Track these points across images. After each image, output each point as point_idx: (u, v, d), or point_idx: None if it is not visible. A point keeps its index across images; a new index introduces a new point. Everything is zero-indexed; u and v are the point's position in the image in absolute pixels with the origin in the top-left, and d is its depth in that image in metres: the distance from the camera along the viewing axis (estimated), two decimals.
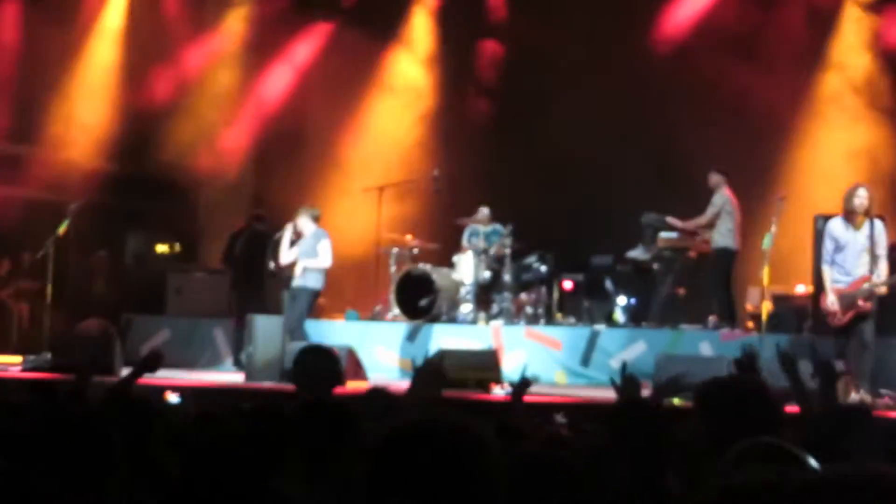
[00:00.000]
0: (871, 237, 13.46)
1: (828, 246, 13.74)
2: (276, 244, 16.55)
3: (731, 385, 5.51)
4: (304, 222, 16.33)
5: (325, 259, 16.22)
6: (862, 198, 13.42)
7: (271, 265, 17.05)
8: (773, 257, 14.96)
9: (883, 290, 13.47)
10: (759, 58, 18.53)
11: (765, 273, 15.05)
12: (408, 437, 3.15)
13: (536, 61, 19.50)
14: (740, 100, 18.17)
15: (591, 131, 18.48)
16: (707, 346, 16.07)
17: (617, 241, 18.21)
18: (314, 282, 16.24)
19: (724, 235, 16.87)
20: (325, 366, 8.30)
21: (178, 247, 21.02)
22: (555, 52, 19.19)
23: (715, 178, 17.07)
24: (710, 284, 17.16)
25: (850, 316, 13.51)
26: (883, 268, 13.50)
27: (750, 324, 16.94)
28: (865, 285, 13.43)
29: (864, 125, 18.24)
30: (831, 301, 13.61)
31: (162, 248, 20.97)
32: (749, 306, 17.40)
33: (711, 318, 16.84)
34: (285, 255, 16.40)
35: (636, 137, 18.76)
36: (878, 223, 13.54)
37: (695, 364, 14.63)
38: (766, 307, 15.54)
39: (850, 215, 13.53)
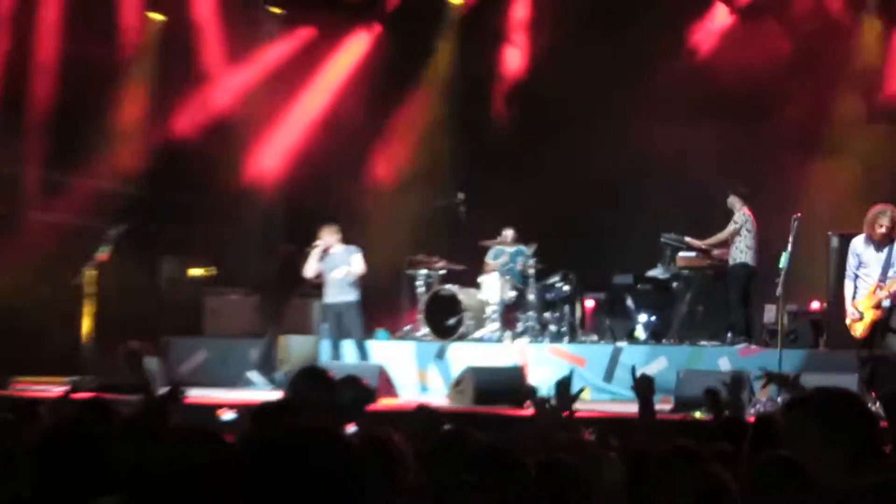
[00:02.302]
0: (890, 255, 13.60)
1: (851, 262, 13.90)
2: (305, 257, 16.77)
3: None
4: (332, 239, 16.54)
5: (359, 266, 16.51)
6: (883, 225, 13.58)
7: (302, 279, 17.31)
8: (789, 274, 15.00)
9: (886, 302, 13.61)
10: (778, 80, 18.69)
11: (781, 289, 15.10)
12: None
13: (559, 86, 19.49)
14: (756, 121, 18.28)
15: (612, 154, 18.61)
16: (726, 361, 16.12)
17: (637, 260, 18.36)
18: (355, 295, 16.46)
19: (742, 252, 16.99)
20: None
21: (212, 270, 21.08)
22: (577, 77, 19.25)
23: (732, 199, 17.21)
24: (727, 301, 17.27)
25: (867, 326, 13.67)
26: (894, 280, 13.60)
27: (767, 339, 16.87)
28: (877, 293, 13.60)
29: (881, 143, 18.34)
30: (850, 313, 13.76)
31: (195, 272, 21.03)
32: (766, 323, 17.36)
33: (729, 334, 16.92)
34: (310, 268, 16.58)
35: (655, 160, 18.74)
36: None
37: (713, 379, 14.70)
38: (783, 323, 15.56)
39: (871, 236, 13.69)
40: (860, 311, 13.69)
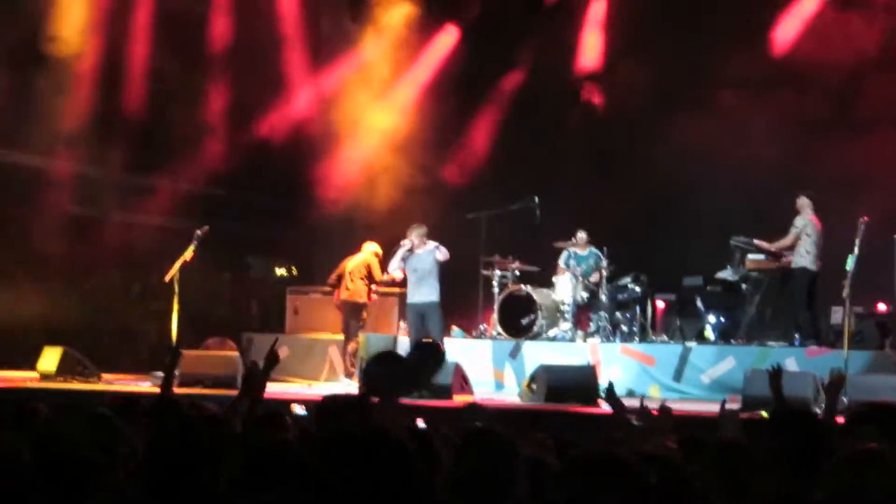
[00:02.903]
0: None
1: None
2: (391, 255, 17.04)
3: None
4: (419, 239, 16.80)
5: (445, 253, 16.86)
6: None
7: (385, 276, 17.55)
8: (856, 276, 15.07)
9: None
10: (857, 79, 18.71)
11: (847, 291, 15.15)
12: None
13: (630, 89, 19.71)
14: (826, 124, 18.33)
15: (682, 157, 18.71)
16: (793, 361, 16.11)
17: (707, 262, 18.41)
18: (437, 296, 16.81)
19: (803, 256, 17.07)
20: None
21: (294, 270, 21.47)
22: (648, 80, 19.45)
23: (801, 201, 17.25)
24: (792, 303, 17.36)
25: None
26: None
27: (833, 341, 16.88)
28: None
29: None
30: None
31: (280, 271, 21.43)
32: (833, 324, 17.38)
33: (797, 335, 16.99)
34: (394, 265, 16.89)
35: (725, 161, 18.86)
36: None
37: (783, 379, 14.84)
38: (850, 325, 15.57)
39: None
40: None
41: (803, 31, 19.70)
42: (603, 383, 15.55)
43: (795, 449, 5.22)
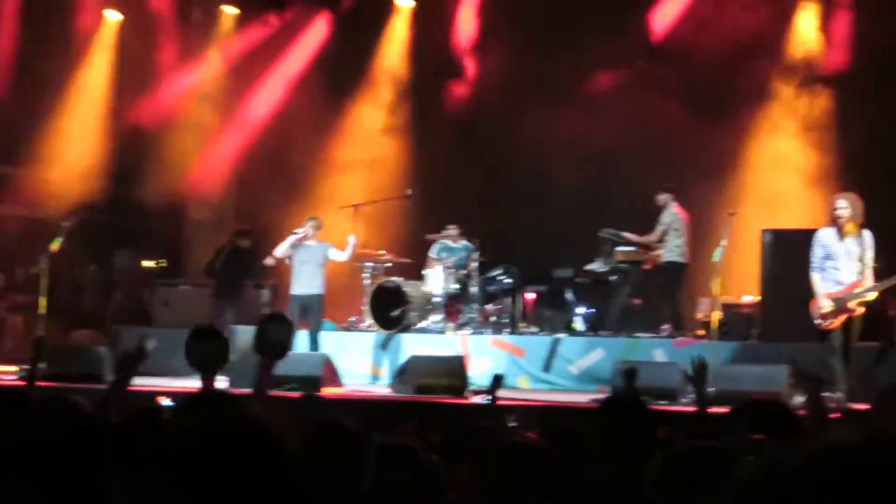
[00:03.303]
0: (860, 246, 13.18)
1: (817, 253, 13.34)
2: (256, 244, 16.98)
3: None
4: (313, 231, 16.76)
5: (342, 255, 17.06)
6: (840, 209, 13.10)
7: (269, 260, 17.39)
8: (722, 269, 15.21)
9: (871, 296, 13.23)
10: (710, 82, 18.80)
11: (715, 284, 15.29)
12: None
13: (503, 85, 19.70)
14: (691, 123, 18.43)
15: (553, 153, 18.82)
16: (660, 352, 16.21)
17: (577, 255, 18.43)
18: (322, 288, 16.88)
19: (671, 251, 17.21)
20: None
21: (163, 262, 21.14)
22: (520, 76, 19.45)
23: (662, 197, 17.42)
24: (660, 296, 17.49)
25: (842, 320, 13.22)
26: (868, 277, 13.22)
27: (701, 332, 17.11)
28: (857, 290, 13.14)
29: (806, 145, 18.57)
30: (822, 305, 13.26)
31: (148, 263, 21.09)
32: (700, 315, 17.56)
33: (665, 327, 17.08)
34: (282, 250, 16.76)
35: (594, 158, 18.99)
36: (867, 234, 13.20)
37: (650, 369, 14.86)
38: (716, 316, 15.74)
39: (835, 225, 13.22)
40: (836, 304, 13.19)
41: (681, 15, 19.74)
42: (471, 375, 15.58)
43: (623, 436, 5.24)
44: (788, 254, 16.14)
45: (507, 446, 4.70)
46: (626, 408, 5.60)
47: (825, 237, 13.33)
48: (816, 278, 13.38)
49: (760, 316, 16.64)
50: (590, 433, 5.49)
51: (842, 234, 13.21)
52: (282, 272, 17.85)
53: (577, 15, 19.38)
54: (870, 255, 13.21)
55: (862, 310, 13.22)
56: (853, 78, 18.29)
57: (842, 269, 13.26)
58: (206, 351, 7.42)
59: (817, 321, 13.43)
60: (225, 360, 7.27)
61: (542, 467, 4.42)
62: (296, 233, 16.87)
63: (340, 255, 17.08)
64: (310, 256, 16.88)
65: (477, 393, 14.70)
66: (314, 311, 16.88)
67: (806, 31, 19.05)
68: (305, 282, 16.89)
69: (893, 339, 15.20)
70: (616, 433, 5.29)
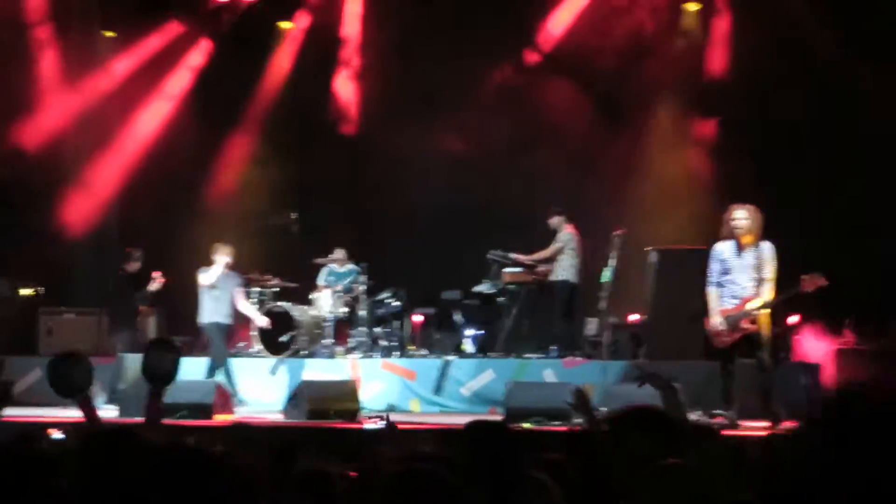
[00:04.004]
0: (758, 259, 12.92)
1: (714, 268, 13.14)
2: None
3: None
4: (223, 258, 16.62)
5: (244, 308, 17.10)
6: (740, 218, 12.92)
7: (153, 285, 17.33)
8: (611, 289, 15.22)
9: (762, 312, 12.96)
10: (594, 104, 18.99)
11: (604, 303, 15.31)
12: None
13: (389, 111, 19.61)
14: (579, 143, 18.53)
15: (438, 174, 18.82)
16: (551, 373, 16.18)
17: (464, 276, 18.48)
18: (228, 319, 16.78)
19: (565, 270, 17.27)
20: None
21: (39, 290, 20.56)
22: (404, 97, 19.39)
23: (555, 220, 17.49)
24: (551, 315, 17.45)
25: (737, 337, 13.01)
26: (766, 290, 12.90)
27: (589, 351, 17.08)
28: (748, 306, 12.89)
29: (688, 162, 18.77)
30: (716, 322, 13.08)
31: (26, 292, 20.50)
32: (588, 335, 17.58)
33: (554, 347, 17.05)
34: (213, 275, 16.67)
35: (479, 181, 19.07)
36: (766, 246, 12.95)
37: (541, 390, 14.90)
38: (606, 335, 15.74)
39: (732, 237, 13.00)
40: (728, 321, 13.00)
41: (572, 26, 19.83)
42: (363, 399, 15.41)
43: (488, 460, 5.25)
44: (674, 272, 16.32)
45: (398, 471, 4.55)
46: (491, 433, 5.63)
47: (722, 251, 13.13)
48: (712, 293, 13.20)
49: (648, 334, 16.68)
50: (458, 458, 5.33)
51: (739, 246, 13.01)
52: (177, 298, 17.55)
53: (466, 30, 19.35)
54: (769, 267, 12.94)
55: (754, 327, 12.97)
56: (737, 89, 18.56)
57: (738, 282, 13.04)
58: (68, 376, 7.13)
59: (714, 340, 13.31)
60: (88, 383, 6.96)
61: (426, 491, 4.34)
62: (224, 260, 16.65)
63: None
64: (224, 285, 16.70)
65: (370, 418, 14.45)
66: (216, 340, 16.77)
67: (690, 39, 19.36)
68: (209, 310, 16.70)
69: (777, 356, 15.22)
70: (484, 459, 5.28)
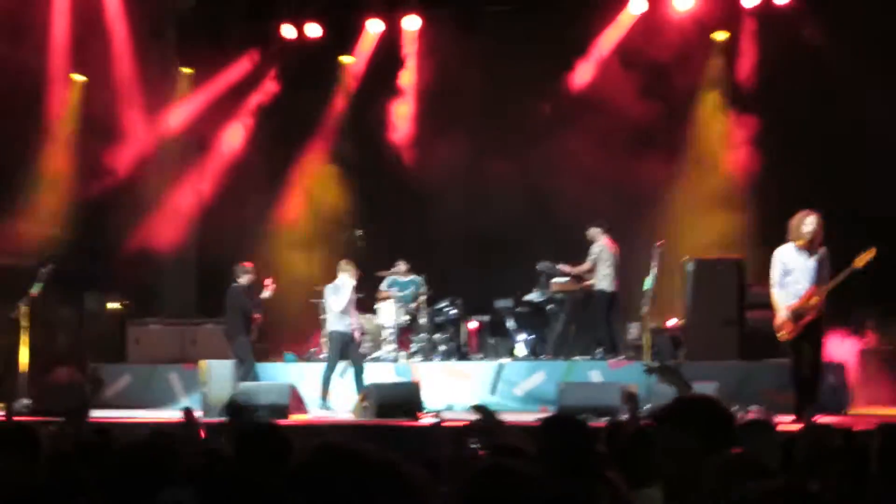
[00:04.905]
0: (819, 262, 13.20)
1: (777, 270, 13.27)
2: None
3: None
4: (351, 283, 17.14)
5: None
6: (810, 224, 13.11)
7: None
8: (652, 295, 15.67)
9: (818, 300, 13.17)
10: (637, 130, 19.37)
11: (646, 309, 15.72)
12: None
13: (443, 133, 20.13)
14: (621, 164, 18.99)
15: (492, 196, 19.46)
16: (597, 374, 16.58)
17: (516, 286, 18.92)
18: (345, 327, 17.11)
19: (601, 280, 17.69)
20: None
21: (127, 304, 21.35)
22: (458, 123, 19.98)
23: (592, 232, 17.90)
24: (594, 321, 17.90)
25: (801, 327, 13.21)
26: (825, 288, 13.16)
27: (632, 354, 17.44)
28: (813, 299, 13.14)
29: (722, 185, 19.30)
30: (782, 317, 13.26)
31: (112, 305, 21.30)
32: (630, 338, 17.99)
33: (599, 350, 17.45)
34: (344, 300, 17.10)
35: (534, 199, 19.52)
36: (824, 251, 13.22)
37: (590, 389, 15.37)
38: (647, 339, 16.16)
39: (798, 241, 13.20)
40: (793, 315, 13.19)
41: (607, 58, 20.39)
42: (425, 399, 16.01)
43: (566, 451, 5.26)
44: (709, 279, 16.78)
45: (484, 466, 4.48)
46: (565, 425, 5.63)
47: (785, 254, 13.34)
48: (775, 294, 13.35)
49: (685, 337, 17.06)
50: (538, 449, 5.44)
51: (803, 250, 13.24)
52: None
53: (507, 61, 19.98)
54: (827, 269, 13.23)
55: (815, 314, 13.18)
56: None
57: (800, 283, 13.24)
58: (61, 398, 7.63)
59: (779, 334, 13.43)
60: (82, 403, 7.45)
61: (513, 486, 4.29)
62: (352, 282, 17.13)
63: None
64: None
65: (427, 415, 15.19)
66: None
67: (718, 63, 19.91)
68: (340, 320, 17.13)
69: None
70: (558, 449, 5.31)
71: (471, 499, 3.82)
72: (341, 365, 17.54)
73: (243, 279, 17.36)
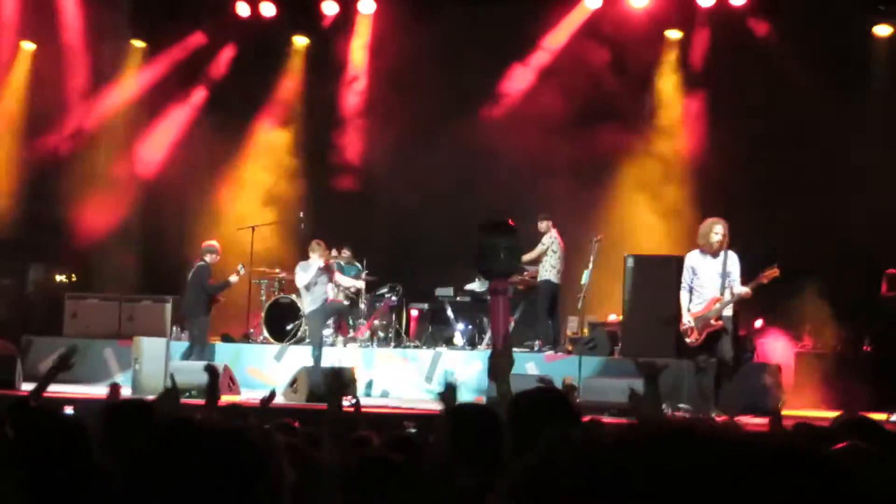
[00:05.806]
0: (725, 265, 13.26)
1: (686, 275, 13.52)
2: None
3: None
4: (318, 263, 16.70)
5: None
6: (718, 234, 13.20)
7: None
8: (589, 289, 15.41)
9: (728, 310, 13.30)
10: (580, 123, 19.06)
11: (582, 303, 15.48)
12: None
13: (391, 116, 19.81)
14: (566, 159, 18.71)
15: (435, 185, 18.95)
16: (533, 366, 16.31)
17: (457, 275, 18.55)
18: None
19: (548, 271, 17.37)
20: None
21: (73, 277, 20.89)
22: (409, 108, 19.53)
23: (543, 224, 17.59)
24: (535, 312, 17.59)
25: (705, 335, 13.31)
26: (728, 293, 13.26)
27: (570, 347, 17.29)
28: (716, 306, 13.22)
29: (666, 183, 18.98)
30: (686, 321, 13.42)
31: (61, 278, 20.83)
32: (569, 332, 17.77)
33: (537, 342, 17.20)
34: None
35: (476, 187, 19.22)
36: (732, 254, 13.31)
37: (524, 381, 15.02)
38: (584, 333, 15.90)
39: (706, 247, 13.31)
40: (698, 322, 13.32)
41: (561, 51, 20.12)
42: (360, 385, 15.66)
43: (477, 442, 5.04)
44: (648, 276, 16.47)
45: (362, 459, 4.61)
46: (475, 415, 5.43)
47: (693, 259, 13.51)
48: (683, 297, 13.55)
49: (623, 333, 16.80)
50: (447, 442, 5.30)
51: (710, 256, 13.33)
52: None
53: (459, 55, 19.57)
54: (735, 272, 13.28)
55: (719, 324, 13.25)
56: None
57: (707, 287, 13.36)
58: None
59: (686, 339, 13.55)
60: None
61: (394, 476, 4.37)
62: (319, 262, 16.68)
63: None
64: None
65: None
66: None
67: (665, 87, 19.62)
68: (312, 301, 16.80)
69: (742, 356, 15.50)
70: (466, 440, 5.12)
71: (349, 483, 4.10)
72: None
73: (209, 258, 17.01)
